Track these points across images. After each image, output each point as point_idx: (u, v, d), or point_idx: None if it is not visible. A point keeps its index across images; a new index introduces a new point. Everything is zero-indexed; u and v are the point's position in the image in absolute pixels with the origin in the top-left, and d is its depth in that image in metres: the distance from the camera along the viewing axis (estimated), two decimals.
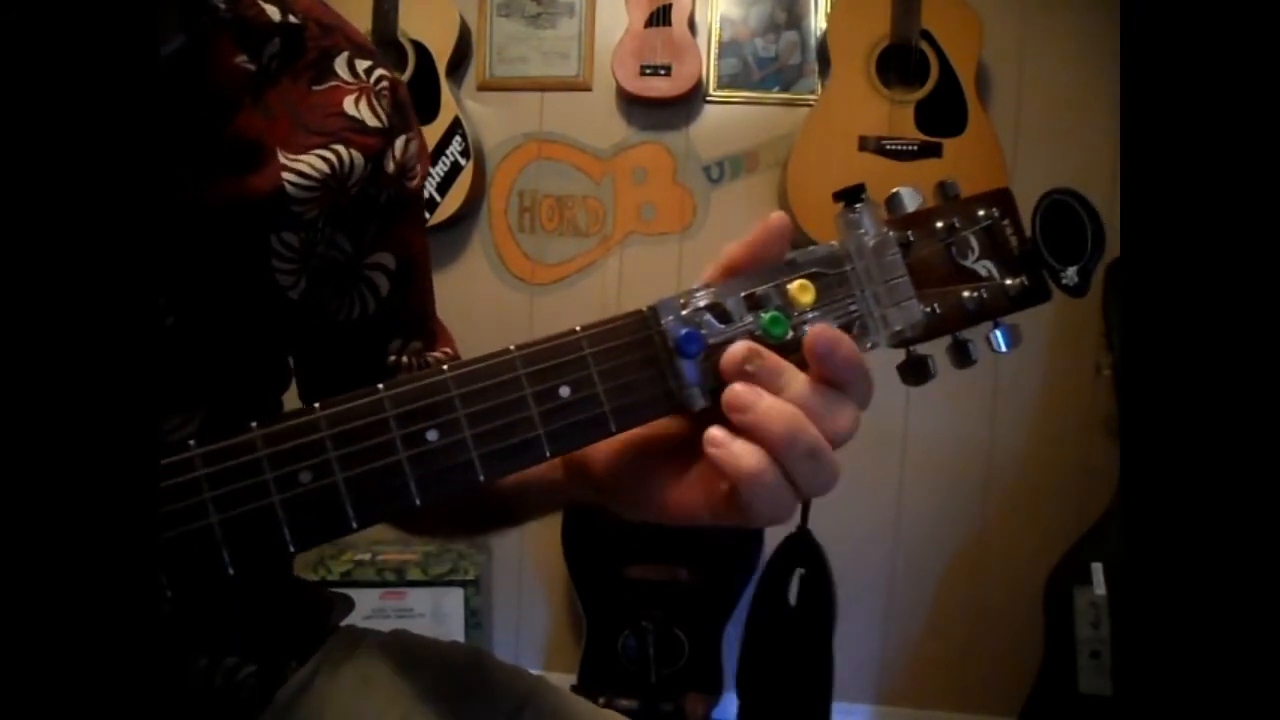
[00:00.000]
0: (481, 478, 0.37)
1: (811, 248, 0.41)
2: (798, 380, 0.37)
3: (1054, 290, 0.44)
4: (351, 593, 1.49)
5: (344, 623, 0.69)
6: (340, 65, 0.56)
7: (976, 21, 1.69)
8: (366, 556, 1.76)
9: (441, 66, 1.80)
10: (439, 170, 1.79)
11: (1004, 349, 0.43)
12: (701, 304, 0.38)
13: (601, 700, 1.65)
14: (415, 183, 0.61)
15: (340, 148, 0.54)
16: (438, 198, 1.79)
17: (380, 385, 0.37)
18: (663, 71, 1.79)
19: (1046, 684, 1.64)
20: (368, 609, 1.70)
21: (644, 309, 0.39)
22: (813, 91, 1.85)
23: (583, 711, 0.63)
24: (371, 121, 0.56)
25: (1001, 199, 0.44)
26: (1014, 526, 1.88)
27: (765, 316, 0.39)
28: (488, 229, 1.95)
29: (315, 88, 0.55)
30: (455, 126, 1.79)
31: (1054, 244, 0.42)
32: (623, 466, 0.43)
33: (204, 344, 0.51)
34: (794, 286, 0.39)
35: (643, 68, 1.79)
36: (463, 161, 1.80)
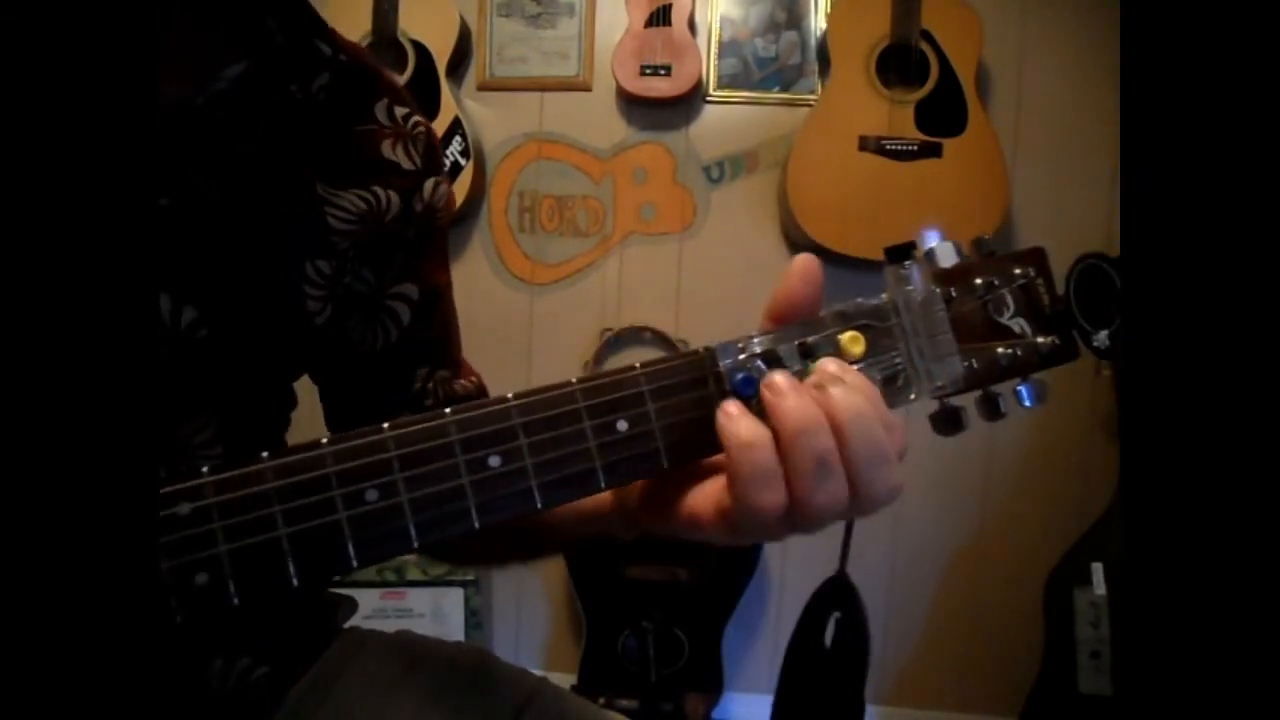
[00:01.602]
0: (540, 505, 0.38)
1: (860, 300, 0.42)
2: (849, 396, 0.38)
3: (1083, 351, 0.45)
4: (352, 593, 1.49)
5: (347, 624, 0.70)
6: (380, 110, 0.59)
7: (976, 21, 1.69)
8: None
9: (441, 66, 1.80)
10: None
11: (1028, 404, 0.45)
12: (757, 350, 0.40)
13: (601, 700, 1.66)
14: (441, 221, 0.63)
15: (378, 189, 0.57)
16: (460, 160, 1.79)
17: (448, 410, 0.38)
18: (663, 71, 1.79)
19: (1046, 684, 1.64)
20: (368, 609, 1.70)
21: (702, 350, 0.41)
22: (813, 91, 1.85)
23: (585, 712, 0.64)
24: (406, 165, 0.59)
25: (1036, 258, 0.46)
26: (1014, 527, 1.88)
27: (815, 365, 0.40)
28: (488, 229, 1.95)
29: (356, 127, 0.57)
30: (455, 126, 1.79)
31: (1086, 306, 0.44)
32: (660, 493, 0.43)
33: (231, 358, 0.52)
34: (845, 338, 0.41)
35: (643, 68, 1.79)
36: (463, 161, 1.80)
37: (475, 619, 1.77)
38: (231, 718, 0.55)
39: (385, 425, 0.37)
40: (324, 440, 0.36)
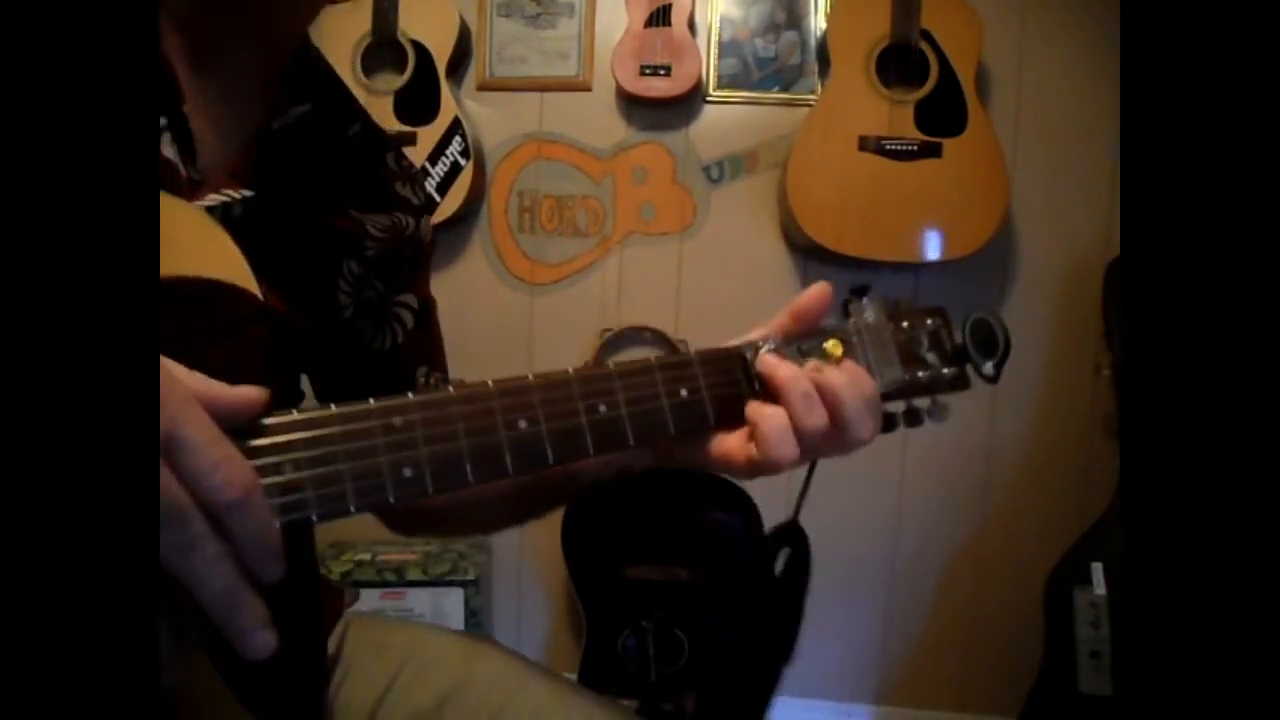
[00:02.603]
0: (631, 442, 0.51)
1: (835, 323, 0.59)
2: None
3: (973, 378, 0.62)
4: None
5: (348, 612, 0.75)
6: (390, 159, 0.71)
7: (976, 21, 1.69)
8: (366, 556, 1.76)
9: (441, 66, 1.80)
10: (439, 170, 1.79)
11: (927, 421, 0.61)
12: (771, 348, 0.56)
13: None
14: (429, 247, 0.76)
15: (399, 214, 0.70)
16: (438, 198, 1.79)
17: (570, 369, 0.51)
18: (663, 71, 1.79)
19: (1046, 684, 1.64)
20: (368, 609, 1.70)
21: (729, 347, 0.56)
22: (813, 91, 1.85)
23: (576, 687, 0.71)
24: (414, 201, 0.72)
25: (941, 313, 0.63)
26: (1014, 526, 1.88)
27: (810, 362, 0.56)
28: (488, 229, 1.95)
29: (377, 170, 0.70)
30: (455, 126, 1.79)
31: (978, 346, 0.61)
32: (692, 439, 0.57)
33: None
34: (829, 344, 0.57)
35: (643, 68, 1.79)
36: (462, 161, 1.80)
37: (475, 619, 1.76)
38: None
39: (530, 375, 0.49)
40: (489, 381, 0.48)
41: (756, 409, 0.53)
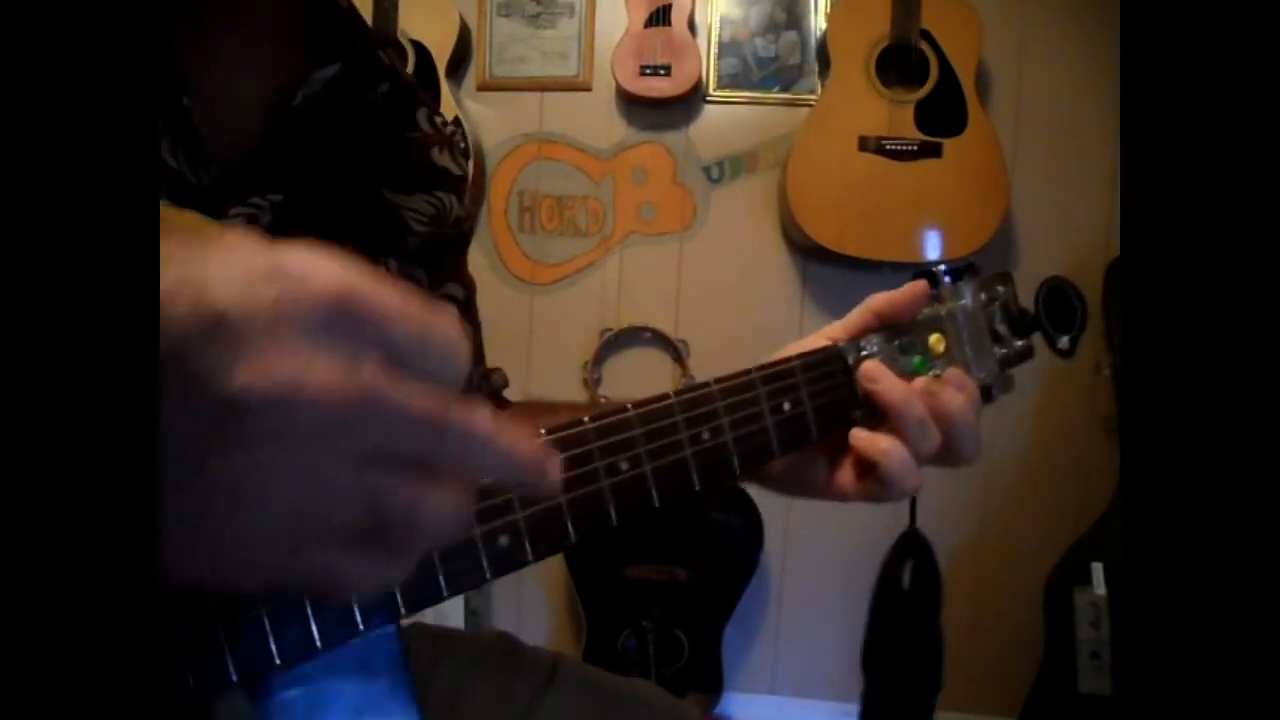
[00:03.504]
0: (739, 472, 0.46)
1: (931, 310, 0.53)
2: (920, 379, 0.50)
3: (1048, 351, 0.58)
4: None
5: None
6: (422, 118, 0.62)
7: (977, 21, 1.69)
8: None
9: (441, 66, 1.80)
10: None
11: (996, 399, 0.56)
12: (872, 350, 0.51)
13: None
14: (472, 225, 0.67)
15: (440, 194, 0.61)
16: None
17: (670, 392, 0.44)
18: (663, 71, 1.79)
19: (1046, 684, 1.64)
20: None
21: (830, 347, 0.50)
22: (813, 91, 1.85)
23: (604, 677, 0.69)
24: (455, 170, 0.64)
25: (1008, 279, 0.57)
26: (1014, 526, 1.88)
27: (915, 359, 0.52)
28: (488, 229, 1.95)
29: (408, 134, 0.61)
30: (455, 126, 1.79)
31: (1052, 317, 0.56)
32: (792, 459, 0.52)
33: None
34: (933, 339, 0.53)
35: (643, 68, 1.79)
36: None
37: (475, 619, 1.77)
38: None
39: (629, 405, 0.43)
40: (586, 419, 0.41)
41: (870, 443, 0.48)
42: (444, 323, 0.28)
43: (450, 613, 1.75)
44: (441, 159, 0.62)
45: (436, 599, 0.35)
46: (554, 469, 0.31)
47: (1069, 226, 1.83)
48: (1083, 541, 1.66)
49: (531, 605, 1.99)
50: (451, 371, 0.27)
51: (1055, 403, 1.86)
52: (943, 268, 0.54)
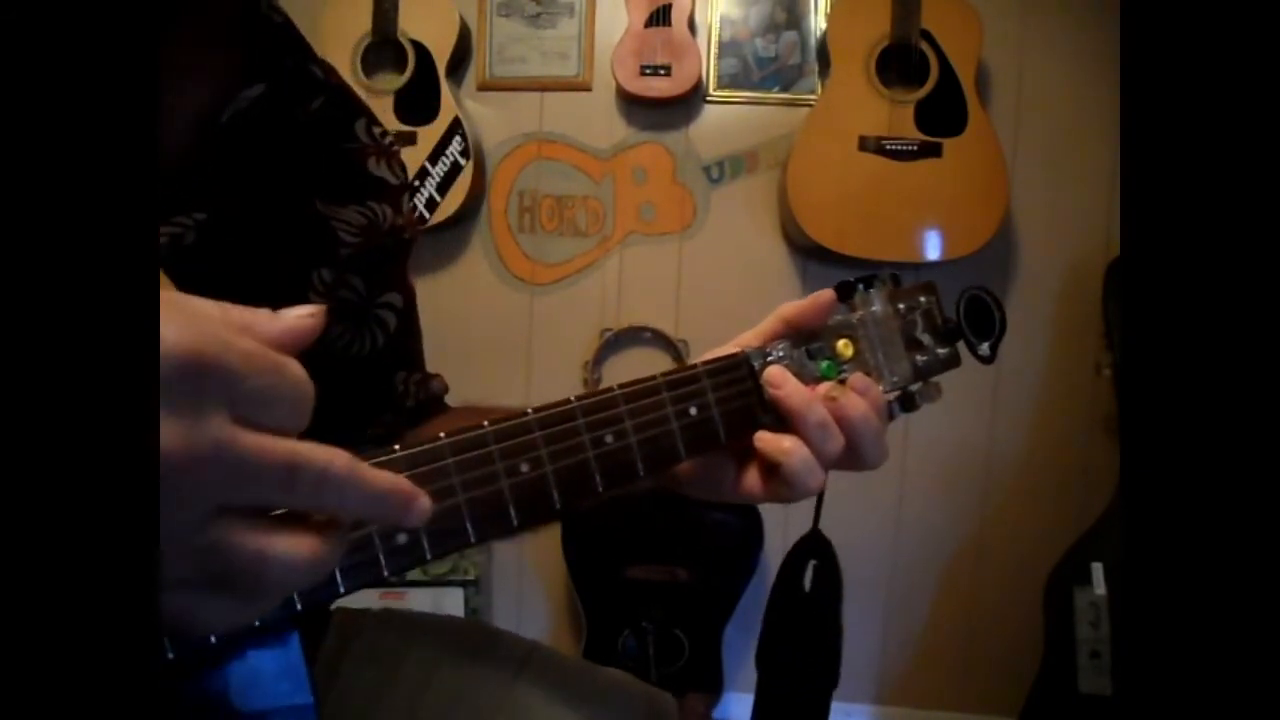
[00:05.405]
0: (642, 474, 0.46)
1: (842, 318, 0.55)
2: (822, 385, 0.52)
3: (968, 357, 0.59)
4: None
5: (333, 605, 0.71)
6: (360, 129, 0.62)
7: (977, 21, 1.69)
8: None
9: (441, 66, 1.80)
10: (439, 170, 1.79)
11: (921, 403, 0.57)
12: (778, 356, 0.53)
13: None
14: (413, 233, 0.68)
15: (373, 204, 0.62)
16: (438, 198, 1.79)
17: (572, 397, 0.45)
18: (663, 71, 1.79)
19: (1046, 684, 1.64)
20: None
21: (738, 354, 0.51)
22: (813, 91, 1.85)
23: (580, 665, 0.69)
24: (391, 180, 0.64)
25: (931, 289, 0.60)
26: (1014, 526, 1.88)
27: (823, 365, 0.54)
28: (488, 229, 1.95)
29: (343, 145, 0.61)
30: (455, 126, 1.79)
31: (973, 325, 0.58)
32: (701, 462, 0.52)
33: None
34: (840, 344, 0.54)
35: (643, 68, 1.79)
36: (462, 161, 1.80)
37: (475, 619, 1.77)
38: None
39: (529, 410, 0.43)
40: (485, 423, 0.41)
41: (773, 443, 0.49)
42: (291, 372, 0.29)
43: (450, 611, 1.75)
44: (378, 169, 0.62)
45: (332, 597, 0.36)
46: (421, 504, 0.32)
47: (1069, 226, 1.83)
48: (1083, 541, 1.66)
49: (531, 605, 1.99)
50: (299, 420, 0.29)
51: (1055, 403, 1.86)
52: (857, 277, 0.57)
